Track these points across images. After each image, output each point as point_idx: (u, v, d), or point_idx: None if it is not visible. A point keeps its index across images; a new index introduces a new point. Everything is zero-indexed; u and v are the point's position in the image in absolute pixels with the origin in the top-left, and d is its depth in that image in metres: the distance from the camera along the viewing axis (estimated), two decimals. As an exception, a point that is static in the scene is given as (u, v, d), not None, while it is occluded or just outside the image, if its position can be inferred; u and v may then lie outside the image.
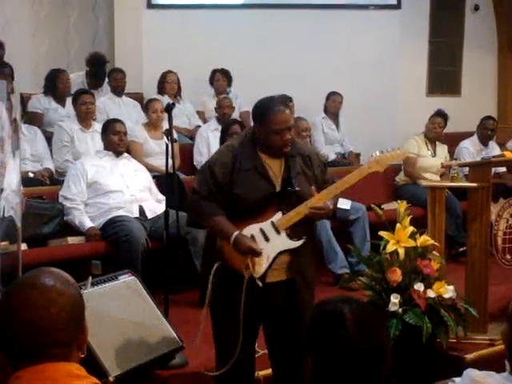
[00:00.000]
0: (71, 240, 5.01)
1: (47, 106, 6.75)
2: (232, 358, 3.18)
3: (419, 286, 3.79)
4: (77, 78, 7.41)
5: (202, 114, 7.72)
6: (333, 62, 8.11)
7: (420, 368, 3.80)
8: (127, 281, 3.82)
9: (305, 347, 1.81)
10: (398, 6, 8.45)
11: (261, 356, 3.56)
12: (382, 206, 5.64)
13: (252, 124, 3.37)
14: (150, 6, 8.03)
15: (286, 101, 3.27)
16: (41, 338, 1.63)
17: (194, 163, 6.64)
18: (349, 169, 5.73)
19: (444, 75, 8.99)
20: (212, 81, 7.76)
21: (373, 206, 4.45)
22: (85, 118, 6.08)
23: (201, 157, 6.57)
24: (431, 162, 6.84)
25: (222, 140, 5.60)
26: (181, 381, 3.82)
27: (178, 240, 4.76)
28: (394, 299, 3.76)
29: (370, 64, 8.19)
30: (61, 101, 6.76)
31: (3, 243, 3.31)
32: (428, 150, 6.91)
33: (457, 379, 2.09)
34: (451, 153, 7.26)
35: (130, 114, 7.05)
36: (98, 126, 5.93)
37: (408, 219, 3.89)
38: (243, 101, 7.58)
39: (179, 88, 7.55)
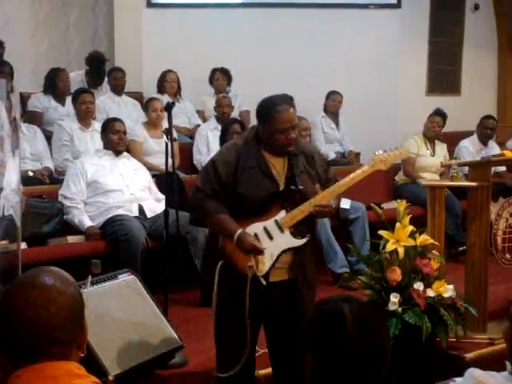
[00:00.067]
0: (71, 239, 5.00)
1: (47, 105, 6.74)
2: (240, 359, 3.17)
3: (419, 286, 3.79)
4: (76, 77, 7.39)
5: (201, 113, 7.71)
6: (332, 62, 8.10)
7: (420, 367, 3.80)
8: (127, 280, 3.82)
9: (305, 346, 1.81)
10: (397, 5, 8.43)
11: (261, 355, 3.56)
12: (382, 205, 5.64)
13: (252, 123, 3.37)
14: (150, 5, 8.01)
15: (289, 99, 3.26)
16: (40, 336, 1.63)
17: (194, 162, 6.65)
18: (348, 168, 5.74)
19: (444, 74, 8.98)
20: (212, 80, 7.74)
21: (372, 205, 4.45)
22: (84, 117, 6.07)
23: (200, 156, 6.58)
24: (430, 161, 6.84)
25: (222, 139, 5.59)
26: (180, 380, 3.82)
27: (178, 239, 4.75)
28: (394, 298, 3.76)
29: (369, 63, 8.18)
30: (60, 100, 6.75)
31: (3, 242, 3.30)
32: (427, 149, 6.91)
33: (457, 379, 2.09)
34: (451, 152, 7.26)
35: (129, 113, 7.05)
36: (97, 125, 5.92)
37: (407, 218, 3.89)
38: (243, 100, 7.58)
39: (179, 87, 7.54)
